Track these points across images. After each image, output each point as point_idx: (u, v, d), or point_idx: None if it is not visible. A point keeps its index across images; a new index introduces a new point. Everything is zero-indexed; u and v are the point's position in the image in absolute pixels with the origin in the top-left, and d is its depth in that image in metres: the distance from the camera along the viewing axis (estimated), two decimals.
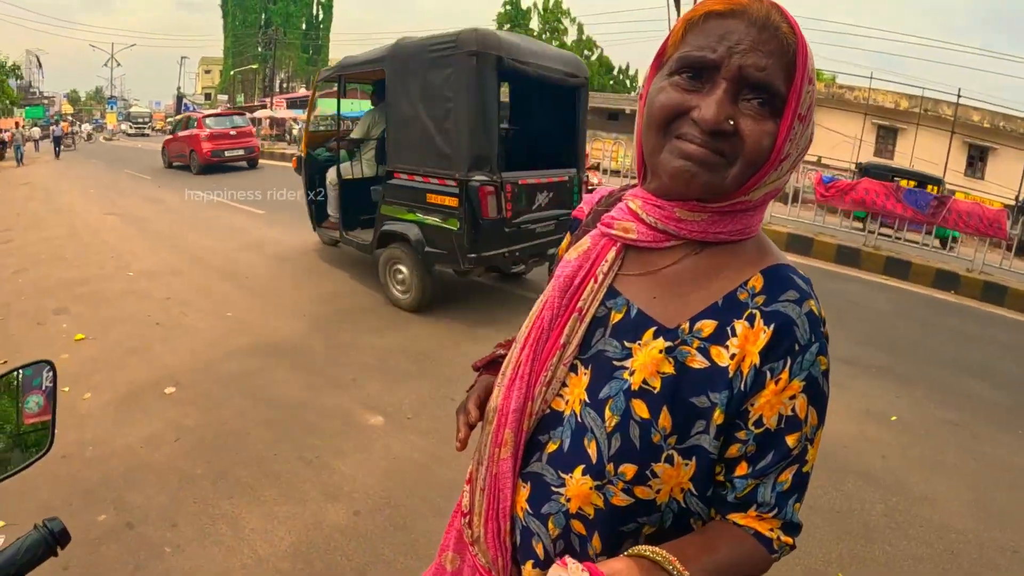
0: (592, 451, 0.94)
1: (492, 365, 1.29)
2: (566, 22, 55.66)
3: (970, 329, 7.63)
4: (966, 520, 3.51)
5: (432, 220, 5.92)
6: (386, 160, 6.50)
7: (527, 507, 1.02)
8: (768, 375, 0.88)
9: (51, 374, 1.15)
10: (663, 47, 0.93)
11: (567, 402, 0.99)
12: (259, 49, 59.98)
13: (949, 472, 3.99)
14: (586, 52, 54.62)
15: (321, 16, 67.98)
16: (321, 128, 10.36)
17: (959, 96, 26.37)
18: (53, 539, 0.95)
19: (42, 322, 6.45)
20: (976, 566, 3.16)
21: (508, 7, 55.68)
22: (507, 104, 7.53)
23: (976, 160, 27.84)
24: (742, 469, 0.92)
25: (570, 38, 55.48)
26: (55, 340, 5.90)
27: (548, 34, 54.85)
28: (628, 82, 57.59)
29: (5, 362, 5.46)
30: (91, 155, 29.83)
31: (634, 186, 1.05)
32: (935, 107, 27.66)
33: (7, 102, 37.60)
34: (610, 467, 0.92)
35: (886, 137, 29.75)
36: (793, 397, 0.89)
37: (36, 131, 31.54)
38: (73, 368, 5.17)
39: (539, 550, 1.02)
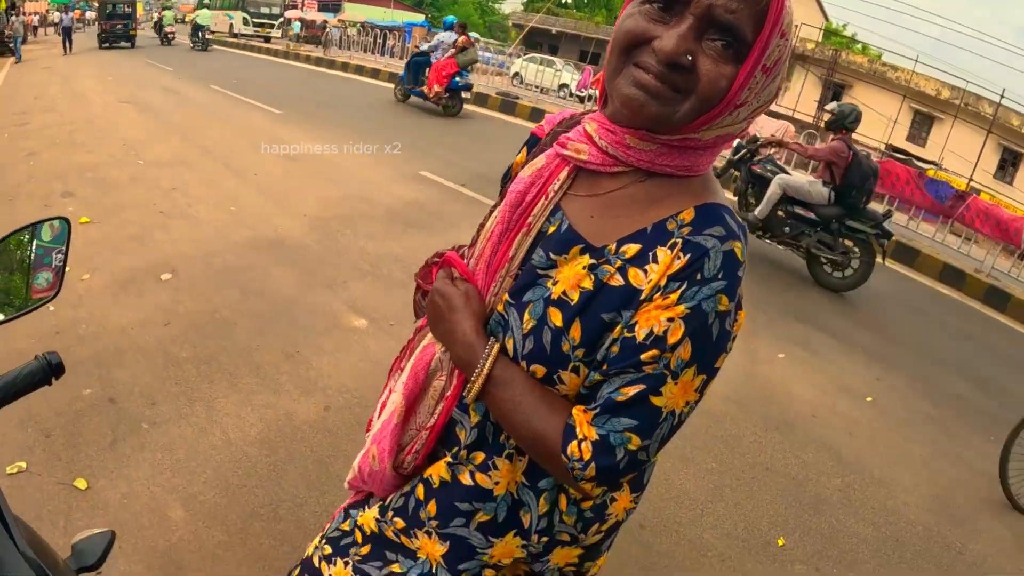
0: (509, 346, 1.05)
1: (427, 275, 1.41)
2: None
3: (967, 329, 7.54)
4: (919, 512, 3.60)
5: None
6: None
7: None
8: (660, 293, 0.92)
9: (67, 228, 1.28)
10: None
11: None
12: None
13: (914, 463, 4.07)
14: None
15: None
16: None
17: (1002, 96, 25.42)
18: (50, 369, 1.06)
19: (49, 204, 6.72)
20: (919, 558, 3.27)
21: None
22: None
23: (1008, 164, 27.25)
24: (603, 367, 0.97)
25: None
26: None
27: None
28: None
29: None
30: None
31: (594, 111, 1.09)
32: (976, 103, 26.70)
33: None
34: (523, 364, 1.04)
35: (921, 124, 28.99)
36: (671, 319, 0.91)
37: (67, 17, 25.75)
38: (75, 250, 5.37)
39: (462, 436, 1.17)
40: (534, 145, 1.22)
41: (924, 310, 7.61)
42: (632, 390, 0.93)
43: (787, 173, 7.33)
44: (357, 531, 1.32)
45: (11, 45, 23.26)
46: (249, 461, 3.20)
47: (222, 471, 3.12)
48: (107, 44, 27.74)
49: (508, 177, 1.26)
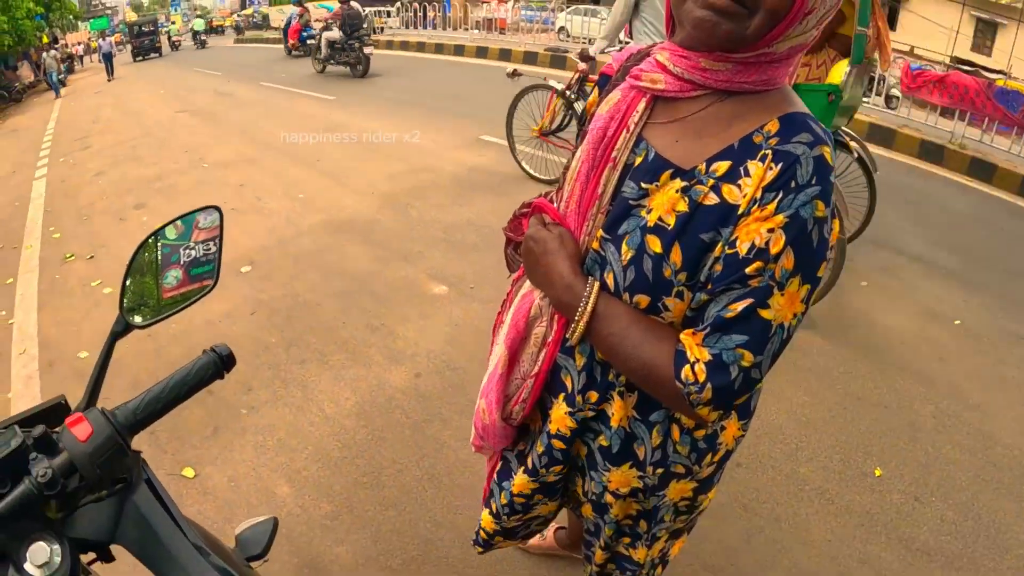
0: (610, 281, 1.09)
1: (517, 227, 1.45)
2: None
3: None
4: (1016, 436, 3.42)
5: None
6: None
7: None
8: (757, 205, 0.95)
9: (218, 216, 1.32)
10: None
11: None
12: None
13: (1007, 385, 3.85)
14: None
15: None
16: None
17: None
18: (221, 362, 1.07)
19: (124, 218, 7.09)
20: (1018, 483, 3.12)
21: None
22: None
23: None
24: (707, 287, 1.01)
25: None
26: (136, 233, 6.48)
27: None
28: None
29: (92, 256, 6.10)
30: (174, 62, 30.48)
31: (661, 43, 1.12)
32: None
33: (70, 17, 38.82)
34: (625, 296, 1.07)
35: (984, 32, 26.73)
36: (772, 230, 0.94)
37: (104, 43, 27.59)
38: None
39: (568, 382, 1.24)
40: (605, 84, 1.23)
41: (1006, 227, 7.17)
42: (740, 305, 0.96)
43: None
44: (516, 497, 1.43)
45: (47, 81, 24.36)
46: (347, 433, 3.33)
47: (322, 446, 3.26)
48: (140, 57, 32.33)
49: (583, 119, 1.26)
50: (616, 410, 1.19)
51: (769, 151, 0.96)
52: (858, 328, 4.22)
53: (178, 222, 1.28)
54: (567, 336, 1.15)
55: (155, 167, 9.06)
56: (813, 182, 0.94)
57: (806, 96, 2.72)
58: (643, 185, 1.06)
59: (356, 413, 3.46)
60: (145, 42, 32.80)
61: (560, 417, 1.26)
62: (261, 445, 3.28)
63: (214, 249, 1.29)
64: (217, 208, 1.32)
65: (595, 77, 7.20)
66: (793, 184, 0.93)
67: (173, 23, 51.22)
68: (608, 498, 1.33)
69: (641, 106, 1.08)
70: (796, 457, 3.13)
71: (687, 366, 0.99)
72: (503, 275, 1.59)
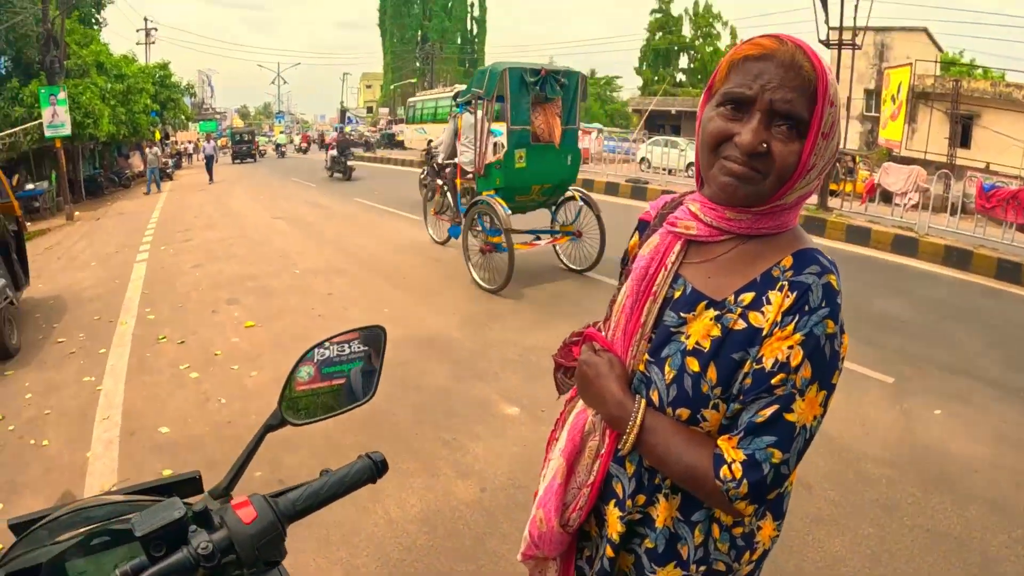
0: (654, 398, 1.28)
1: (568, 354, 1.66)
2: (718, 27, 57.22)
3: None
4: None
5: None
6: None
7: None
8: (778, 327, 1.16)
9: (383, 335, 1.47)
10: (712, 80, 1.25)
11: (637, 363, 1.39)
12: (417, 64, 64.33)
13: None
14: None
15: (476, 30, 72.37)
16: None
17: None
18: (375, 468, 1.15)
19: (216, 310, 7.62)
20: None
21: (659, 15, 57.85)
22: None
23: None
24: (739, 399, 1.20)
25: (723, 43, 56.23)
26: (227, 326, 6.97)
27: (701, 40, 55.98)
28: None
29: (182, 342, 6.49)
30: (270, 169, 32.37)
31: (693, 192, 1.37)
32: None
33: (182, 117, 42.25)
34: (669, 410, 1.26)
35: None
36: (791, 347, 1.14)
37: (208, 145, 30.41)
38: (242, 350, 6.20)
39: (619, 489, 1.41)
40: (644, 229, 1.50)
41: None
42: (768, 411, 1.15)
43: None
44: None
45: (152, 177, 25.89)
46: (409, 537, 3.47)
47: (383, 546, 3.40)
48: (238, 160, 39.57)
49: (626, 259, 1.53)
50: (661, 511, 1.35)
51: (785, 282, 1.18)
52: (929, 458, 4.20)
53: (338, 336, 1.44)
54: (619, 447, 1.31)
55: (250, 267, 9.75)
56: (823, 305, 1.15)
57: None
58: (682, 315, 1.27)
59: (420, 519, 3.60)
60: (243, 148, 40.68)
61: (613, 521, 1.41)
62: (324, 538, 3.45)
63: (348, 351, 1.44)
64: (382, 328, 1.48)
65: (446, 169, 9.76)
66: (806, 308, 1.15)
67: (278, 133, 56.72)
68: None
69: (677, 248, 1.31)
70: None
71: (725, 466, 1.17)
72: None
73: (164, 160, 31.79)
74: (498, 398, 5.05)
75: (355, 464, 1.15)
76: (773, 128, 1.16)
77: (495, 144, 8.91)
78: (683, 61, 59.25)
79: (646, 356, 1.32)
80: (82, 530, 1.11)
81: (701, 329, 1.24)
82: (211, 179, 26.85)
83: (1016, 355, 6.04)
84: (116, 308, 8.06)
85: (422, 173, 13.27)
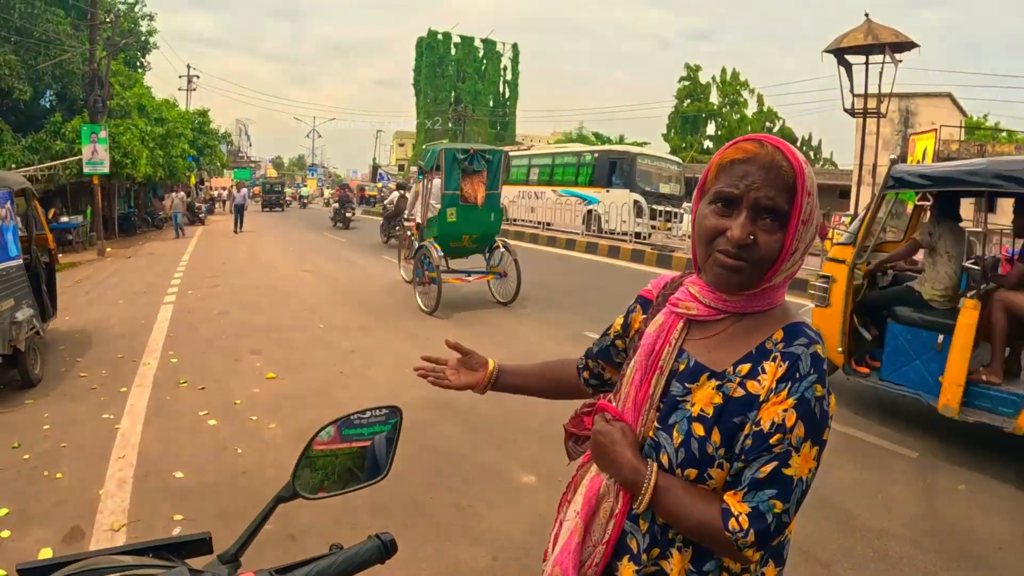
0: (664, 460, 1.41)
1: (579, 423, 1.83)
2: (745, 94, 58.40)
3: None
4: None
5: None
6: None
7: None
8: (773, 393, 1.32)
9: (398, 420, 1.52)
10: (703, 180, 1.42)
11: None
12: (450, 124, 65.60)
13: None
14: (767, 124, 55.89)
15: (508, 93, 74.13)
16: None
17: None
18: (384, 549, 1.20)
19: (239, 359, 7.71)
20: None
21: (687, 82, 59.25)
22: None
23: None
24: (741, 458, 1.33)
25: (750, 110, 57.20)
26: (249, 376, 7.03)
27: (728, 107, 56.86)
28: (812, 153, 57.86)
29: (203, 388, 6.55)
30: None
31: (690, 274, 1.55)
32: None
33: (218, 164, 43.52)
34: (678, 471, 1.40)
35: None
36: (786, 410, 1.29)
37: (239, 194, 29.13)
38: (262, 401, 6.25)
39: (633, 545, 1.50)
40: (644, 304, 1.69)
41: None
42: (768, 467, 1.30)
43: None
44: None
45: (175, 221, 26.48)
46: None
47: None
48: (267, 208, 42.85)
49: (628, 330, 1.72)
50: (675, 564, 1.45)
51: (778, 353, 1.35)
52: (953, 535, 4.13)
53: (385, 411, 1.52)
54: (634, 507, 1.43)
55: (275, 318, 9.91)
56: (811, 372, 1.31)
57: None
58: (687, 385, 1.42)
59: None
60: (272, 198, 44.86)
61: (628, 575, 1.50)
62: None
63: (368, 416, 1.50)
64: (398, 409, 1.56)
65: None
66: (797, 375, 1.31)
67: (314, 185, 59.04)
68: None
69: (680, 326, 1.48)
70: None
71: (732, 519, 1.30)
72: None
73: (198, 205, 32.52)
74: (515, 465, 5.04)
75: (364, 544, 1.20)
76: (759, 221, 1.32)
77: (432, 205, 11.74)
78: (710, 128, 60.36)
79: (655, 424, 1.45)
80: None
81: (704, 397, 1.39)
82: (238, 228, 26.64)
83: None
84: (140, 348, 8.18)
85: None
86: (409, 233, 13.03)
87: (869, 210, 6.35)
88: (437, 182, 11.49)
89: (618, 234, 20.61)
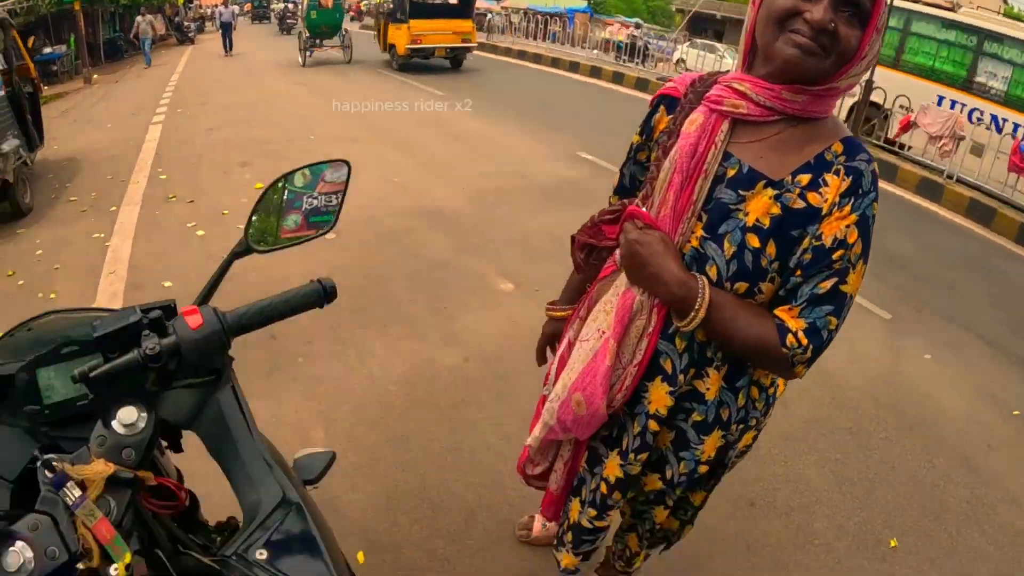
0: (712, 273, 1.38)
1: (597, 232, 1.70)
2: None
3: None
4: None
5: None
6: None
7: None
8: (836, 208, 1.30)
9: (346, 172, 1.47)
10: None
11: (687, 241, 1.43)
12: None
13: None
14: None
15: None
16: None
17: None
18: (324, 293, 1.17)
19: (228, 172, 7.83)
20: None
21: None
22: None
23: None
24: (797, 273, 1.33)
25: None
26: (238, 187, 7.17)
27: None
28: None
29: (192, 201, 6.70)
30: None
31: (724, 72, 1.45)
32: None
33: None
34: (727, 285, 1.38)
35: None
36: (848, 226, 1.29)
37: (226, 11, 24.50)
38: (250, 209, 6.24)
39: (667, 365, 1.52)
40: (668, 102, 1.54)
41: None
42: (828, 283, 1.31)
43: None
44: (603, 483, 1.73)
45: (141, 46, 22.98)
46: (389, 397, 3.70)
47: (363, 403, 3.64)
48: (256, 21, 43.31)
49: (648, 133, 1.58)
50: (712, 383, 1.50)
51: (840, 167, 1.32)
52: (910, 400, 4.24)
53: (306, 170, 1.44)
54: (680, 325, 1.40)
55: (265, 131, 9.89)
56: (872, 189, 1.31)
57: None
58: (740, 192, 1.36)
59: (401, 381, 3.83)
60: (259, 10, 45.21)
61: (660, 397, 1.53)
62: (308, 392, 3.69)
63: (335, 202, 1.48)
64: (346, 163, 1.48)
65: None
66: (860, 191, 1.30)
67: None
68: (701, 469, 1.63)
69: (725, 127, 1.37)
70: (813, 510, 3.22)
71: (790, 335, 1.31)
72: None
73: (187, 24, 31.30)
74: (494, 273, 5.22)
75: (304, 287, 1.18)
76: (838, 11, 1.23)
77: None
78: None
79: (701, 233, 1.40)
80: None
81: (760, 207, 1.34)
82: (228, 50, 24.00)
83: (1017, 320, 5.92)
84: (129, 168, 8.25)
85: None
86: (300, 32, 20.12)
87: None
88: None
89: None
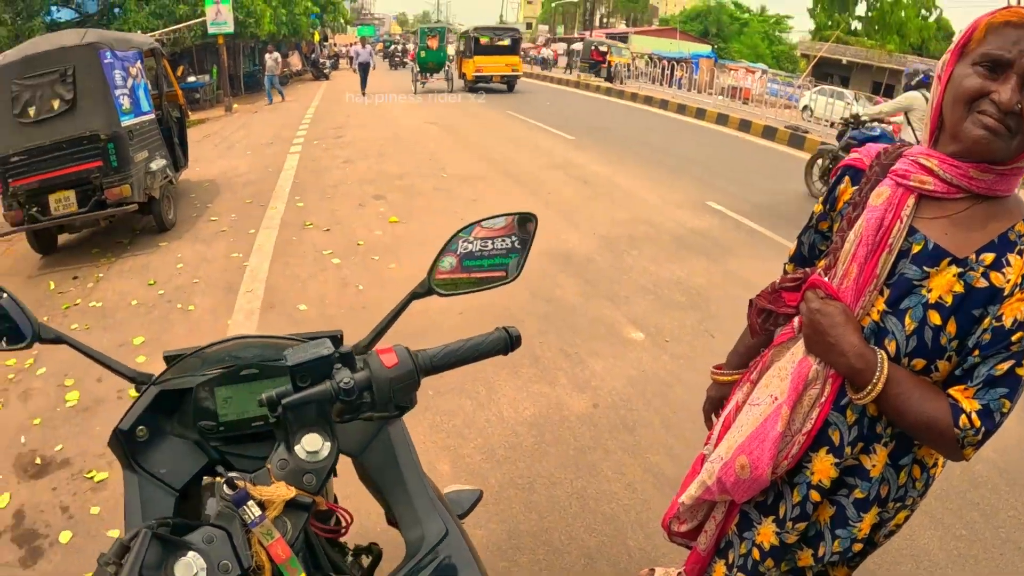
0: (891, 348, 1.38)
1: (777, 299, 1.72)
2: None
3: None
4: None
5: None
6: None
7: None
8: (1019, 288, 1.27)
9: (534, 223, 1.52)
10: (964, 40, 1.32)
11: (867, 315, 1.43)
12: None
13: None
14: (923, 11, 51.46)
15: None
16: None
17: None
18: (510, 341, 1.20)
19: (363, 204, 8.10)
20: None
21: None
22: None
23: None
24: (975, 353, 1.31)
25: None
26: (372, 220, 7.41)
27: None
28: None
29: (328, 230, 6.92)
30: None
31: (907, 145, 1.48)
32: None
33: (342, 21, 43.39)
34: (905, 360, 1.37)
35: None
36: None
37: (364, 51, 25.75)
38: (384, 243, 6.63)
39: (835, 437, 1.51)
40: (852, 173, 1.55)
41: None
42: (1005, 365, 1.28)
43: None
44: (755, 549, 1.70)
45: (268, 85, 23.15)
46: (517, 438, 3.68)
47: (491, 442, 3.64)
48: (393, 67, 44.79)
49: (833, 203, 1.58)
50: (878, 460, 1.47)
51: (1023, 246, 1.30)
52: None
53: (491, 219, 1.50)
54: (855, 397, 1.41)
55: (398, 167, 10.22)
56: None
57: None
58: (925, 268, 1.35)
59: (530, 423, 3.80)
60: (395, 58, 46.73)
61: (824, 468, 1.52)
62: (438, 425, 3.72)
63: (490, 247, 1.52)
64: (533, 216, 1.53)
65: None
66: None
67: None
68: (856, 547, 1.57)
69: (911, 202, 1.37)
70: None
71: (963, 415, 1.28)
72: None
73: (323, 61, 33.10)
74: (624, 321, 5.14)
75: (491, 334, 1.22)
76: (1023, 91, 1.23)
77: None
78: (860, 8, 55.35)
79: (882, 307, 1.40)
80: (233, 364, 1.28)
81: (944, 284, 1.33)
82: (363, 87, 24.09)
83: None
84: (267, 194, 8.66)
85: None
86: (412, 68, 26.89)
87: None
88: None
89: None
